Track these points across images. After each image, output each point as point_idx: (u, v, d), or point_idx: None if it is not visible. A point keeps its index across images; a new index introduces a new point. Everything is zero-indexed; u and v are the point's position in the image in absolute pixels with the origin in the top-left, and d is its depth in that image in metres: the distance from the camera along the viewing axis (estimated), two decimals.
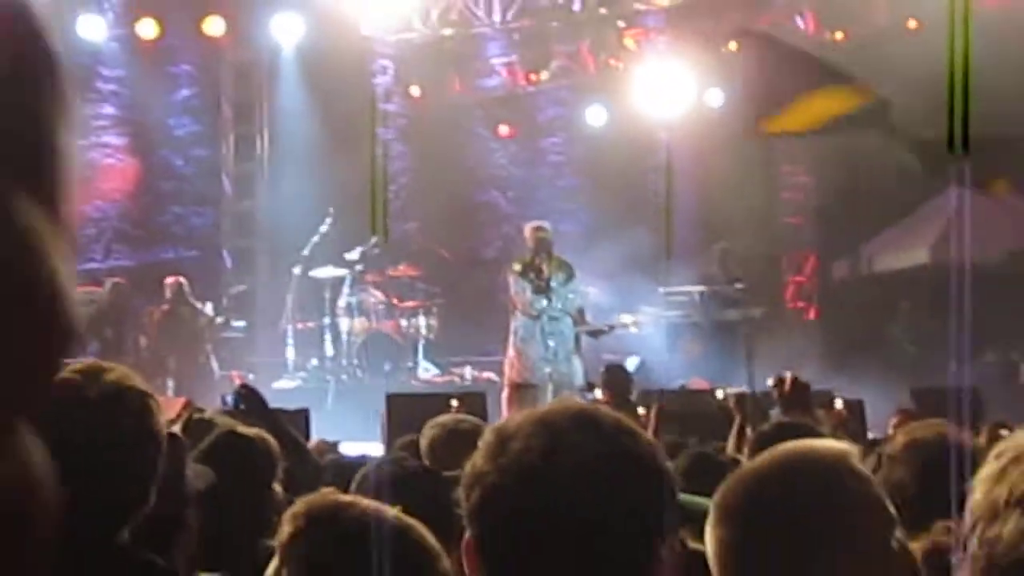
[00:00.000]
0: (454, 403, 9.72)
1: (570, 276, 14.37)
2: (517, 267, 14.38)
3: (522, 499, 1.91)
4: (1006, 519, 1.65)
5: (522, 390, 13.40)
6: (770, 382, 6.27)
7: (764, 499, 2.36)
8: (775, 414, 7.87)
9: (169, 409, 8.36)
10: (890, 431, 7.33)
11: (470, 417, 6.54)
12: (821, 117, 12.96)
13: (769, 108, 13.04)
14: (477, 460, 2.00)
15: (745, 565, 2.32)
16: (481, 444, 2.04)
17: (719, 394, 11.31)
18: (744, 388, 11.80)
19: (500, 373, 15.86)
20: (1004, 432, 5.83)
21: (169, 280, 17.32)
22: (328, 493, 2.72)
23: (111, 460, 2.79)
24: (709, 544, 2.45)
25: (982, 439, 6.18)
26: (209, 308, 17.96)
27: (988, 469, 1.75)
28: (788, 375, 6.32)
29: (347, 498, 2.74)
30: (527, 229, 14.72)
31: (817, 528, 2.17)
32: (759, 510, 2.21)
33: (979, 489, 1.72)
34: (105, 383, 2.88)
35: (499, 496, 1.93)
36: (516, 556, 1.94)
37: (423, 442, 6.04)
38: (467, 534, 2.02)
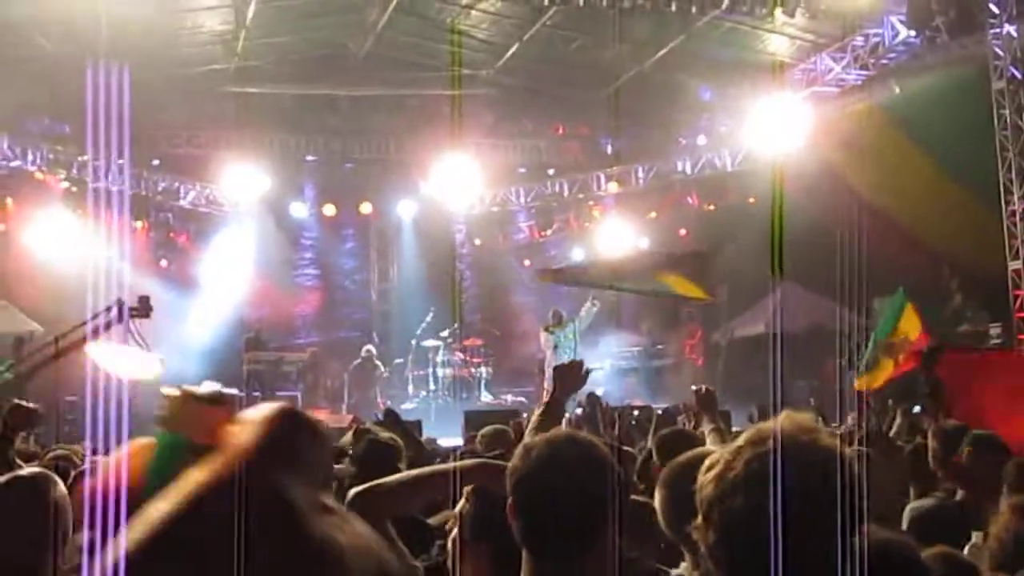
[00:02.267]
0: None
1: (574, 322, 20.55)
2: (545, 332, 21.00)
3: (536, 482, 2.81)
4: (736, 495, 1.99)
5: None
6: (693, 388, 6.95)
7: (679, 472, 3.33)
8: (681, 420, 10.35)
9: (343, 422, 14.10)
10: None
11: (501, 427, 8.39)
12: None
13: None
14: (516, 460, 2.92)
15: (675, 515, 3.25)
16: (518, 451, 2.97)
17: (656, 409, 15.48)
18: (667, 406, 16.19)
19: (528, 396, 22.51)
20: None
21: (365, 348, 24.02)
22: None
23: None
24: (657, 499, 3.53)
25: None
26: (381, 365, 23.66)
27: (728, 449, 2.08)
28: (704, 387, 7.05)
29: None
30: (550, 313, 21.51)
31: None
32: (682, 479, 2.85)
33: (719, 465, 2.05)
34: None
35: (525, 481, 2.83)
36: (533, 512, 2.80)
37: (480, 438, 8.05)
38: (509, 500, 2.84)
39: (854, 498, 2.02)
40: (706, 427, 6.39)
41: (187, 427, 1.40)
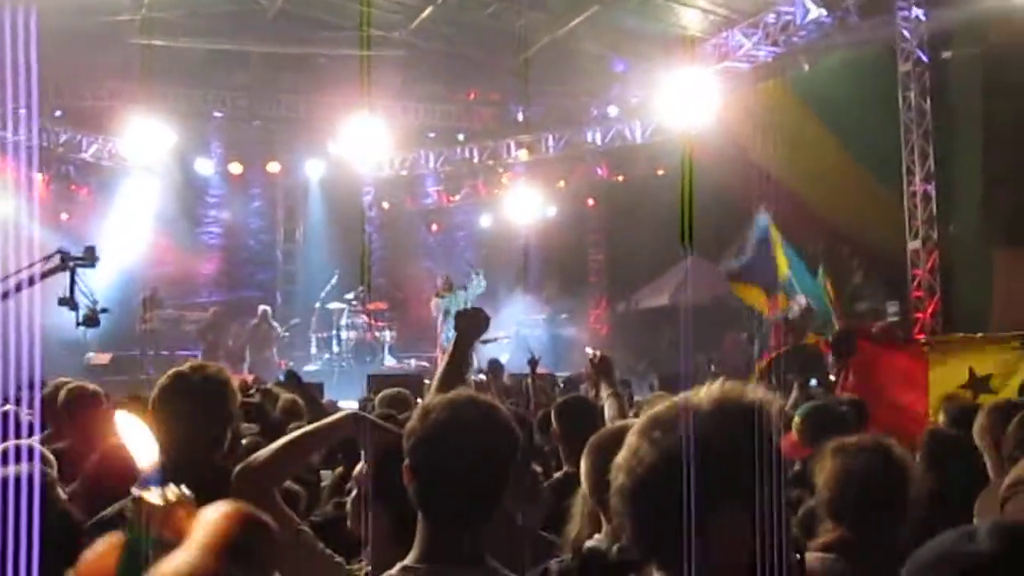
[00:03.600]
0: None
1: (466, 290, 20.63)
2: (436, 297, 21.33)
3: (435, 446, 2.76)
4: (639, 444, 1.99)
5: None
6: (589, 351, 6.86)
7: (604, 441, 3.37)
8: (584, 388, 11.68)
9: (244, 383, 10.89)
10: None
11: (402, 390, 8.31)
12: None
13: None
14: (414, 421, 2.84)
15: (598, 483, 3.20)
16: (416, 412, 2.90)
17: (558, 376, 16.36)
18: (570, 374, 16.87)
19: (430, 362, 22.27)
20: None
21: (260, 307, 23.92)
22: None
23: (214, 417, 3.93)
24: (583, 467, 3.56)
25: None
26: (277, 325, 23.93)
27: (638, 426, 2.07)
28: (599, 352, 6.89)
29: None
30: (439, 279, 22.04)
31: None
32: (607, 449, 2.60)
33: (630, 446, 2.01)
34: (208, 373, 4.09)
35: (422, 443, 2.77)
36: (431, 476, 2.75)
37: (377, 400, 8.19)
38: (406, 462, 2.78)
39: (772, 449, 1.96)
40: (604, 392, 6.30)
41: (154, 527, 1.45)
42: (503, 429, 2.81)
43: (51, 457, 4.86)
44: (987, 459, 4.87)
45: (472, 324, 4.81)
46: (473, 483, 2.76)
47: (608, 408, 5.99)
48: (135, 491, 1.47)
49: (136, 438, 1.57)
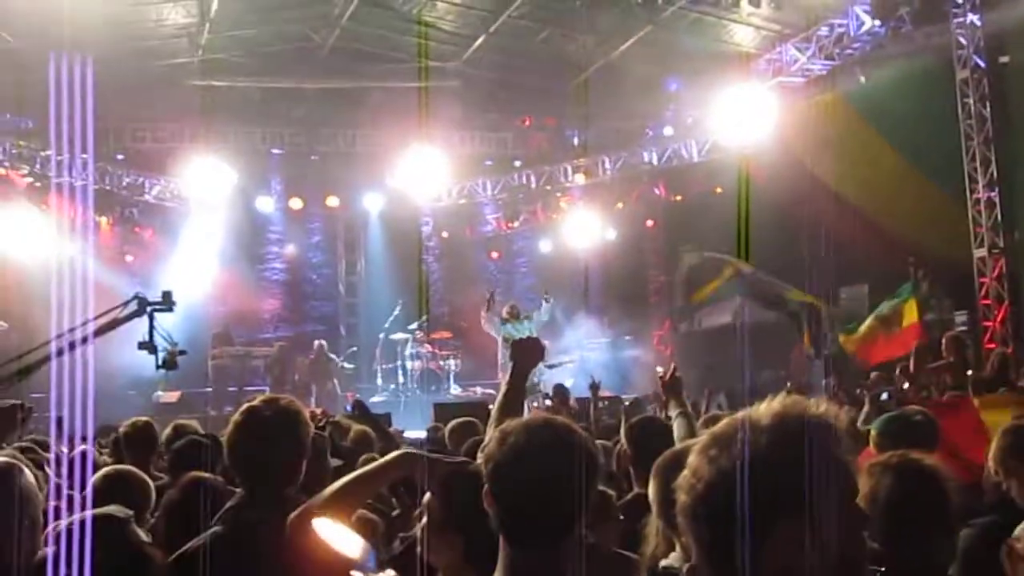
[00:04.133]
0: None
1: (532, 320, 20.32)
2: (500, 320, 20.56)
3: (514, 469, 2.76)
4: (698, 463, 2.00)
5: None
6: (659, 370, 7.29)
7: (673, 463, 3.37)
8: (651, 408, 12.44)
9: (313, 416, 15.55)
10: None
11: (470, 419, 8.46)
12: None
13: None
14: (492, 446, 2.87)
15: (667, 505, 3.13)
16: (493, 436, 2.92)
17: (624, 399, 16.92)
18: (636, 396, 17.55)
19: (495, 388, 20.39)
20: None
21: (316, 342, 24.03)
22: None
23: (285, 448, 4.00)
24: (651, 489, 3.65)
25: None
26: (335, 357, 24.09)
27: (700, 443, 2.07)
28: (669, 371, 6.76)
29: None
30: (505, 308, 21.03)
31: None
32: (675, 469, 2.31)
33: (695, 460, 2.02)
34: (279, 406, 4.15)
35: (502, 467, 2.78)
36: (512, 499, 2.76)
37: (447, 430, 8.42)
38: (485, 487, 2.80)
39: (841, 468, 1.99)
40: (673, 412, 6.25)
41: None
42: (580, 450, 2.82)
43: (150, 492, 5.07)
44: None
45: (528, 354, 4.84)
46: (553, 505, 2.76)
47: (677, 428, 5.95)
48: (355, 573, 1.56)
49: (340, 536, 1.64)
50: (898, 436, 5.30)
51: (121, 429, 7.46)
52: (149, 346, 7.12)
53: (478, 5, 21.72)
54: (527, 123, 27.66)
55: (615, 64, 23.20)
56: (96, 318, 6.28)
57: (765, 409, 2.02)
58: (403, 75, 23.44)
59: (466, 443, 6.13)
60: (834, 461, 1.95)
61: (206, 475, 5.05)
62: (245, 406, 4.19)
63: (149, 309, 6.76)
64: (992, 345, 16.91)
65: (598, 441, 7.06)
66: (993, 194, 18.36)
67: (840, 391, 14.77)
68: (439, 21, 22.63)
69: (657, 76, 24.61)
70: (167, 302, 6.90)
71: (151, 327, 6.99)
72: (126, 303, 6.59)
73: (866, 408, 8.65)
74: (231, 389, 22.11)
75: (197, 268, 24.14)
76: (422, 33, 21.88)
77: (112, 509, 3.98)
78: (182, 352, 7.47)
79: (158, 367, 7.30)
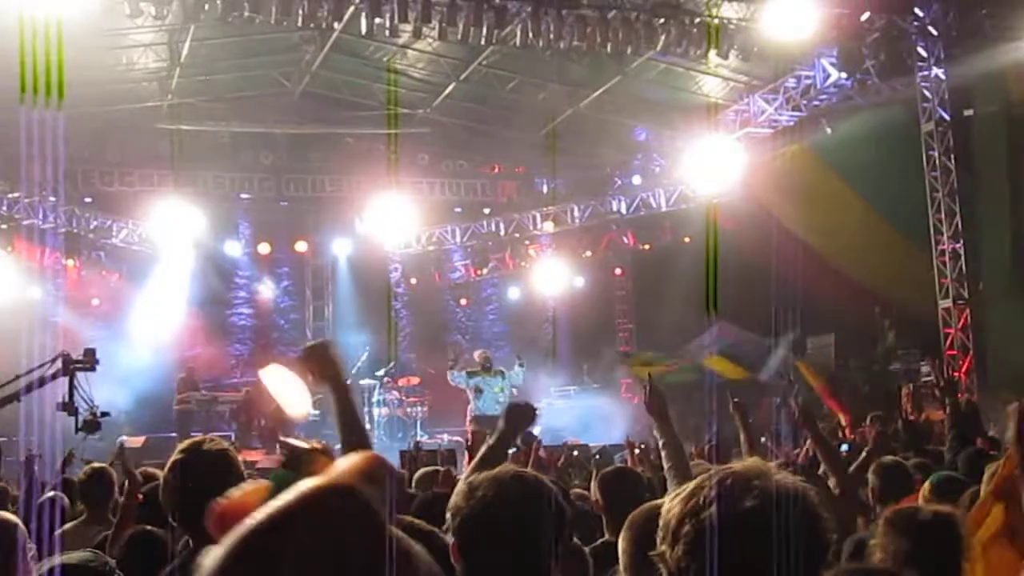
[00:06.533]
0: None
1: (504, 377, 19.44)
2: (468, 373, 19.63)
3: (482, 523, 2.74)
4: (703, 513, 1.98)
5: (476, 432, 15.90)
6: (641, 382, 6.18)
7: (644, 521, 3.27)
8: (618, 458, 11.64)
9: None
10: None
11: (435, 467, 8.49)
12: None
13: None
14: (457, 499, 2.82)
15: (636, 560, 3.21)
16: (460, 488, 2.87)
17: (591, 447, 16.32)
18: (605, 444, 16.80)
19: (463, 436, 19.94)
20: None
21: None
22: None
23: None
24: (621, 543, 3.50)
25: None
26: None
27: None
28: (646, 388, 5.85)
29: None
30: (477, 354, 20.38)
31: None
32: (648, 522, 2.71)
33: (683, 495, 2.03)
34: (213, 447, 3.99)
35: (470, 522, 2.75)
36: (479, 554, 2.73)
37: (415, 480, 8.17)
38: (452, 540, 2.78)
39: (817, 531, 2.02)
40: (659, 438, 5.78)
41: (299, 468, 1.65)
42: (549, 504, 2.78)
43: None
44: None
45: (521, 418, 4.88)
46: (521, 559, 2.73)
47: (666, 460, 5.60)
48: (283, 438, 1.63)
49: (287, 390, 1.74)
50: (947, 493, 5.38)
51: (78, 476, 7.26)
52: (69, 407, 7.04)
53: (448, 54, 21.80)
54: (496, 171, 27.75)
55: (584, 113, 23.50)
56: (28, 373, 6.23)
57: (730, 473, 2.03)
58: (373, 122, 23.66)
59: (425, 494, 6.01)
60: (805, 531, 1.98)
61: (149, 527, 4.97)
62: (181, 446, 4.09)
63: (72, 367, 6.68)
64: (959, 396, 16.83)
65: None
66: (958, 245, 18.55)
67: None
68: (410, 69, 22.84)
69: (626, 125, 24.91)
70: (89, 361, 6.84)
71: (71, 387, 6.91)
72: (52, 360, 6.54)
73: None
74: (195, 434, 21.63)
75: (164, 312, 24.00)
76: (392, 80, 22.10)
77: (86, 556, 3.92)
78: (104, 414, 7.40)
79: (77, 430, 7.22)
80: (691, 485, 2.07)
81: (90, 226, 24.50)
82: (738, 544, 1.94)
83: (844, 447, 10.36)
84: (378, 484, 1.42)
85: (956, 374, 18.11)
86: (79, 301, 23.66)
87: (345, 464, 1.50)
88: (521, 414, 4.88)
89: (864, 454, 7.47)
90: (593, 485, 5.99)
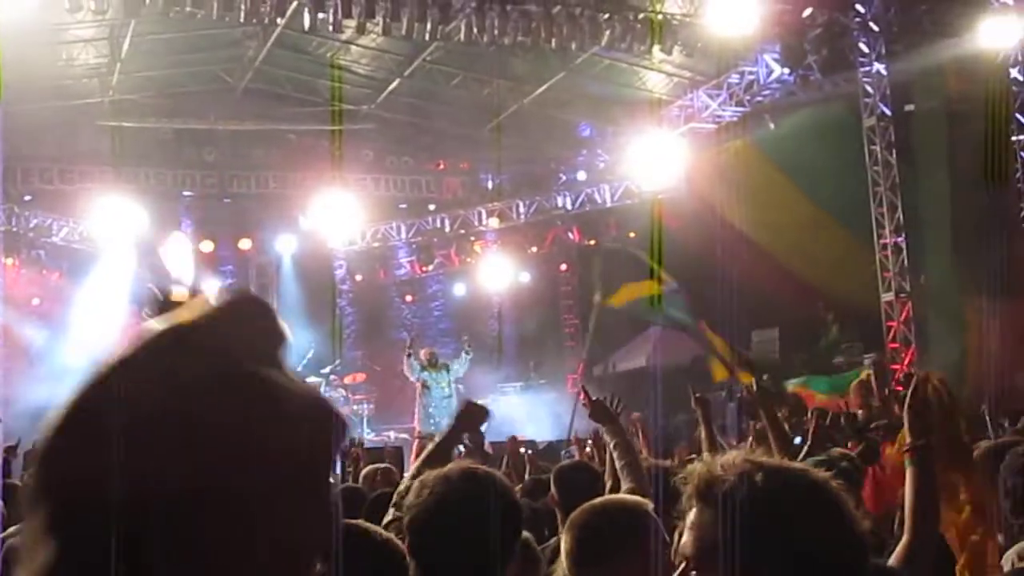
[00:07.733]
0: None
1: (449, 371, 20.14)
2: (420, 366, 20.20)
3: (434, 521, 2.76)
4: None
5: (423, 439, 16.21)
6: (581, 396, 6.65)
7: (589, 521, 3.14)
8: (564, 453, 12.22)
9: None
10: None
11: (387, 465, 8.89)
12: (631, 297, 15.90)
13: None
14: (410, 496, 2.85)
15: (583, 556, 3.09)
16: (412, 487, 2.93)
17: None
18: (551, 440, 17.61)
19: (409, 433, 21.42)
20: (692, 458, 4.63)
21: None
22: None
23: None
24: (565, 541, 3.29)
25: (674, 461, 7.28)
26: None
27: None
28: (591, 397, 6.24)
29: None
30: (423, 352, 20.73)
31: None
32: (594, 520, 2.93)
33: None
34: None
35: (420, 519, 2.77)
36: (430, 549, 2.75)
37: (361, 477, 8.69)
38: (406, 540, 2.79)
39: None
40: (609, 440, 5.79)
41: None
42: (502, 499, 2.76)
43: None
44: None
45: (472, 418, 5.00)
46: (473, 557, 2.70)
47: (617, 459, 5.58)
48: (153, 287, 1.54)
49: (178, 261, 1.60)
50: None
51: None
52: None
53: (392, 49, 21.73)
54: (441, 167, 27.71)
55: (529, 109, 23.51)
56: None
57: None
58: (317, 118, 23.51)
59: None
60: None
61: None
62: None
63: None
64: (900, 388, 16.97)
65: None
66: (900, 239, 18.82)
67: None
68: (353, 65, 22.79)
69: (570, 121, 24.93)
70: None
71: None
72: None
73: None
74: None
75: (105, 311, 23.68)
76: (336, 76, 21.99)
77: None
78: (14, 445, 7.35)
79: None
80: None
81: (30, 224, 24.15)
82: None
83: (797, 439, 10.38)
84: (246, 325, 1.08)
85: (897, 367, 18.32)
86: (19, 300, 23.39)
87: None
88: (473, 414, 4.97)
89: (806, 447, 7.49)
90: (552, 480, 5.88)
